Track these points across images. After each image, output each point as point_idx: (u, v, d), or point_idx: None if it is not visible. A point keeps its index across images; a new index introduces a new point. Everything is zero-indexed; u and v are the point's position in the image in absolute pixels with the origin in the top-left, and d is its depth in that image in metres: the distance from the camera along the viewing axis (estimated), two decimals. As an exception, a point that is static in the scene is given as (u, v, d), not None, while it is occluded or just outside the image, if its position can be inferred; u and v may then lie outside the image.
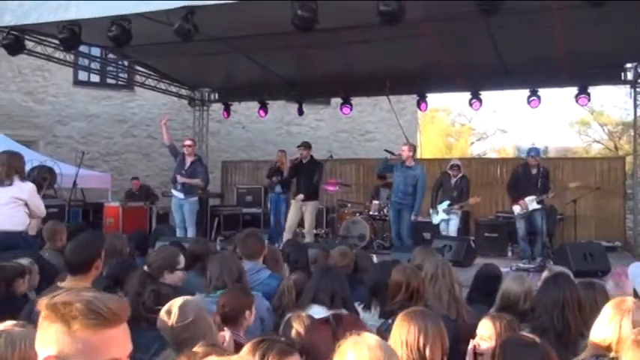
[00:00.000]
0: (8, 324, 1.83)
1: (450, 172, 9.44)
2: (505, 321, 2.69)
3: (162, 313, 2.58)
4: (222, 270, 3.68)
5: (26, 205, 5.12)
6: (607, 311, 2.42)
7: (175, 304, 2.62)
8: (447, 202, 9.20)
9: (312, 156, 9.65)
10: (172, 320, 2.54)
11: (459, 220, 9.37)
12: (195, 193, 9.15)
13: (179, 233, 8.81)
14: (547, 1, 6.88)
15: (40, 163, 9.43)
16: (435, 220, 9.39)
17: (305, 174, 9.49)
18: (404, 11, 5.80)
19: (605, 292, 3.32)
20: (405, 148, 8.83)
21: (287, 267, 4.86)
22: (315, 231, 11.49)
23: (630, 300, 2.49)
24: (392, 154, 8.89)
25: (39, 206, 5.27)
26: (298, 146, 9.78)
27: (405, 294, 3.34)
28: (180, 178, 8.85)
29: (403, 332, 2.32)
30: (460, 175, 9.36)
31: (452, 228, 9.22)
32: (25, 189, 5.15)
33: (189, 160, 8.95)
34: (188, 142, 9.15)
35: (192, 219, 8.99)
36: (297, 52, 9.63)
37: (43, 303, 1.22)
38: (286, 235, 9.17)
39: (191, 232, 8.84)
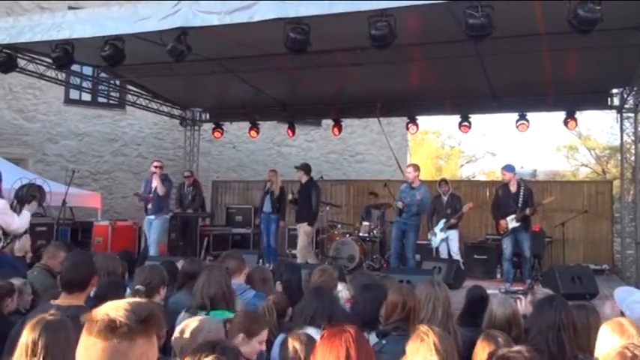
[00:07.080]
0: None
1: (439, 190, 9.61)
2: None
3: (177, 333, 2.64)
4: (208, 288, 3.66)
5: None
6: (614, 340, 2.43)
7: (190, 326, 2.66)
8: (443, 221, 9.29)
9: (311, 177, 9.86)
10: (183, 342, 2.60)
11: (459, 236, 9.45)
12: (165, 212, 9.38)
13: (151, 252, 8.94)
14: (535, 28, 7.02)
15: (29, 181, 9.36)
16: (435, 242, 9.45)
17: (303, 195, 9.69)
18: (394, 35, 5.88)
19: (596, 313, 3.33)
20: (410, 169, 8.90)
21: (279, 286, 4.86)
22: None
23: (626, 322, 2.53)
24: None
25: (10, 223, 5.19)
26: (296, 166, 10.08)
27: (400, 313, 3.28)
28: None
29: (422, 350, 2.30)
30: (449, 192, 9.55)
31: (453, 245, 9.27)
32: None
33: (155, 181, 9.22)
34: (157, 164, 9.43)
35: (155, 237, 9.13)
36: (288, 73, 9.69)
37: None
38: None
39: (152, 251, 8.95)
